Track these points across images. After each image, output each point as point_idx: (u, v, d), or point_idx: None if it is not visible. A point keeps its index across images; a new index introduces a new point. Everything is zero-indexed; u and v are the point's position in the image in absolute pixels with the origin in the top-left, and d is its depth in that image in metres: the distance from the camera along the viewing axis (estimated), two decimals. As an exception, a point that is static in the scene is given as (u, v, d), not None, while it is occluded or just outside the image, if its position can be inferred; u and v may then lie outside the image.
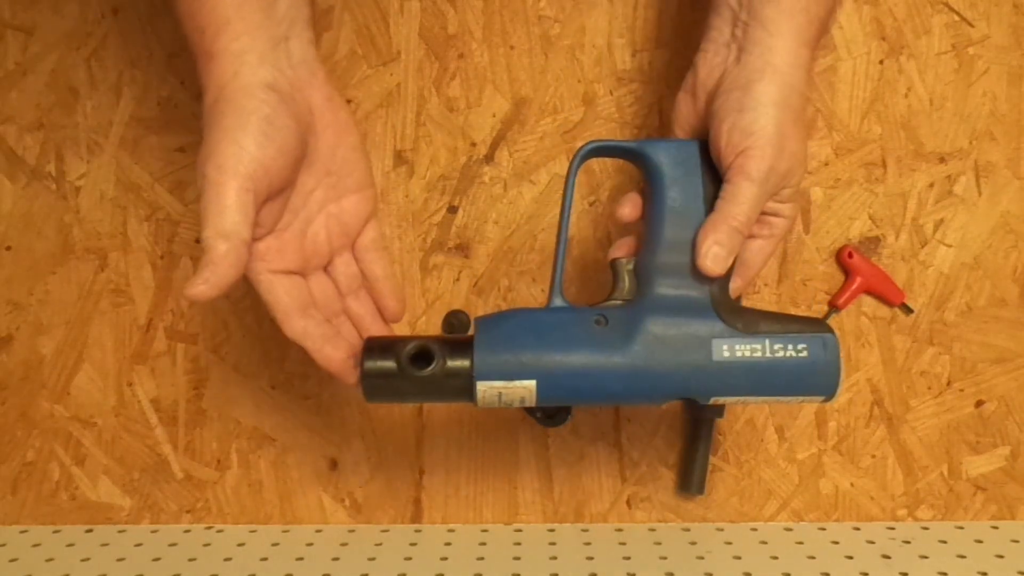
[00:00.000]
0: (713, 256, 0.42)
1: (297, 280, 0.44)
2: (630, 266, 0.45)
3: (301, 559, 0.55)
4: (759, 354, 0.42)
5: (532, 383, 0.41)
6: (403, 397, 0.46)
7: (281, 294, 0.43)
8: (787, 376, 0.42)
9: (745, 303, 0.59)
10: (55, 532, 0.60)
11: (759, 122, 0.42)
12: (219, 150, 0.39)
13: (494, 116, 0.59)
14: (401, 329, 0.60)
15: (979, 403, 0.60)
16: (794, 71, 0.43)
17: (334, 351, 0.44)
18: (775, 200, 0.44)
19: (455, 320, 0.59)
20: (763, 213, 0.44)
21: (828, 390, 0.43)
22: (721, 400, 0.43)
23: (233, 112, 0.39)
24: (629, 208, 0.47)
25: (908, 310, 0.59)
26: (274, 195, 0.41)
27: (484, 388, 0.41)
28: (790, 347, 0.42)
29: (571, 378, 0.41)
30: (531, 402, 0.42)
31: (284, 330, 0.43)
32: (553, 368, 0.41)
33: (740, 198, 0.42)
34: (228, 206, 0.38)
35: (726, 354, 0.41)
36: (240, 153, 0.39)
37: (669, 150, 0.45)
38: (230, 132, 0.39)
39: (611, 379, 0.42)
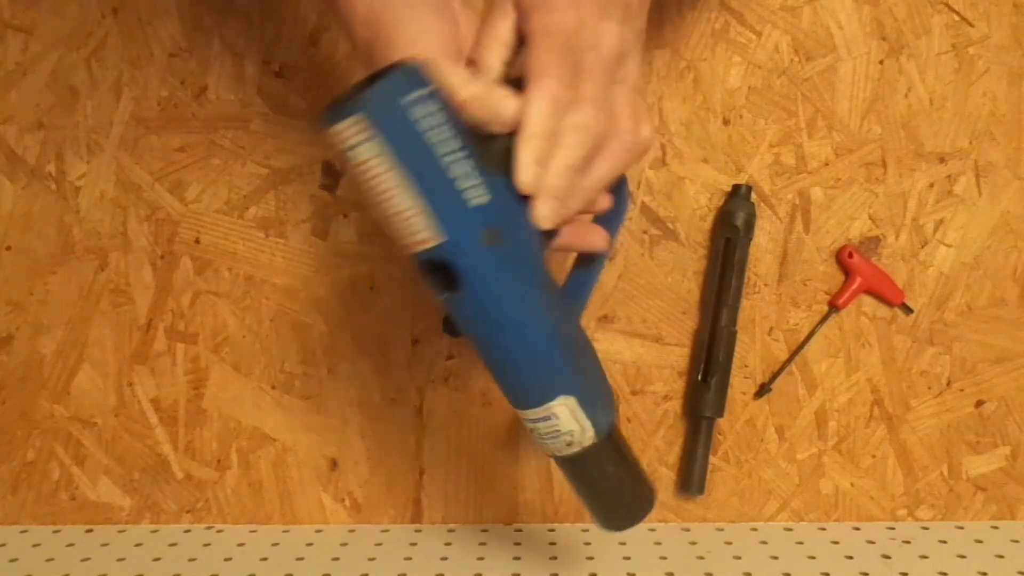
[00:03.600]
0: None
1: None
2: None
3: (301, 559, 0.55)
4: None
5: None
6: None
7: None
8: None
9: (746, 303, 0.59)
10: (55, 532, 0.60)
11: None
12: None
13: (494, 116, 0.59)
14: (400, 328, 0.60)
15: (979, 403, 0.60)
16: None
17: None
18: None
19: (455, 320, 0.60)
20: None
21: None
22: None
23: None
24: None
25: (908, 310, 0.59)
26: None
27: None
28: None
29: None
30: None
31: None
32: None
33: None
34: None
35: None
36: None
37: None
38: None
39: None
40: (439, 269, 0.32)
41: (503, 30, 0.36)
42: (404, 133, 0.30)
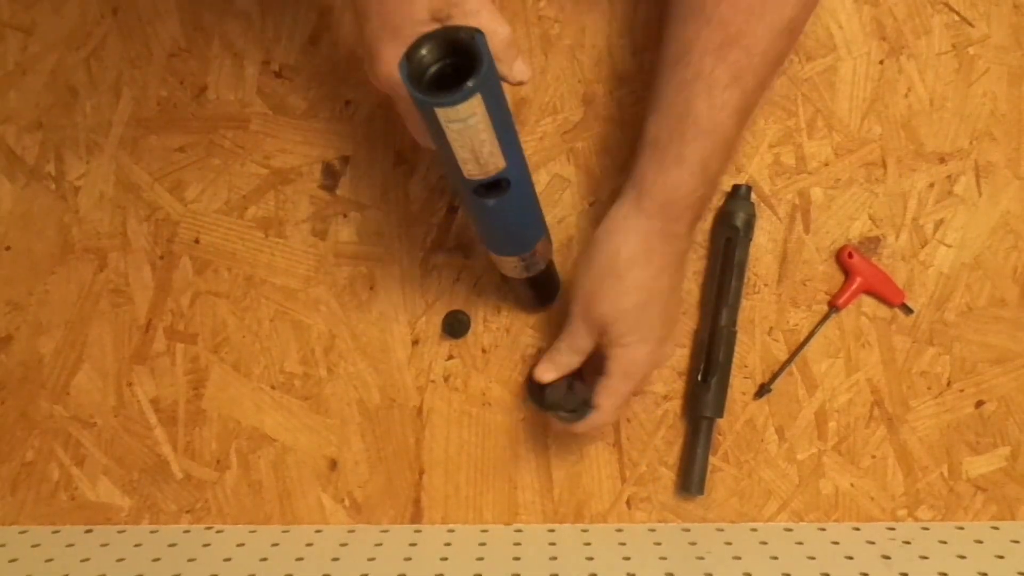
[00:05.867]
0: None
1: None
2: None
3: (301, 559, 0.55)
4: None
5: None
6: None
7: None
8: None
9: (745, 303, 0.59)
10: (55, 532, 0.60)
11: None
12: None
13: (494, 116, 0.59)
14: (400, 328, 0.60)
15: (979, 403, 0.60)
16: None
17: None
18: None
19: (455, 320, 0.60)
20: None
21: None
22: None
23: None
24: None
25: (908, 310, 0.59)
26: None
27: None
28: None
29: None
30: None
31: None
32: None
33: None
34: None
35: None
36: None
37: None
38: None
39: None
40: (494, 185, 0.42)
41: (581, 346, 0.52)
42: (497, 97, 0.37)
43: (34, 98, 0.59)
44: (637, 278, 0.49)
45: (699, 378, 0.58)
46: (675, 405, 0.60)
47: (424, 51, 0.36)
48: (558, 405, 0.53)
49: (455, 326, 0.60)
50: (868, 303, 0.59)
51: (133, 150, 0.59)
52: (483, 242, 0.50)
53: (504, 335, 0.60)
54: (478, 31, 0.36)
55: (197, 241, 0.60)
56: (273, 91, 0.59)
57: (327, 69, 0.59)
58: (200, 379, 0.60)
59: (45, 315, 0.60)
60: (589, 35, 0.59)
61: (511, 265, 0.51)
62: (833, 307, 0.59)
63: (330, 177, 0.60)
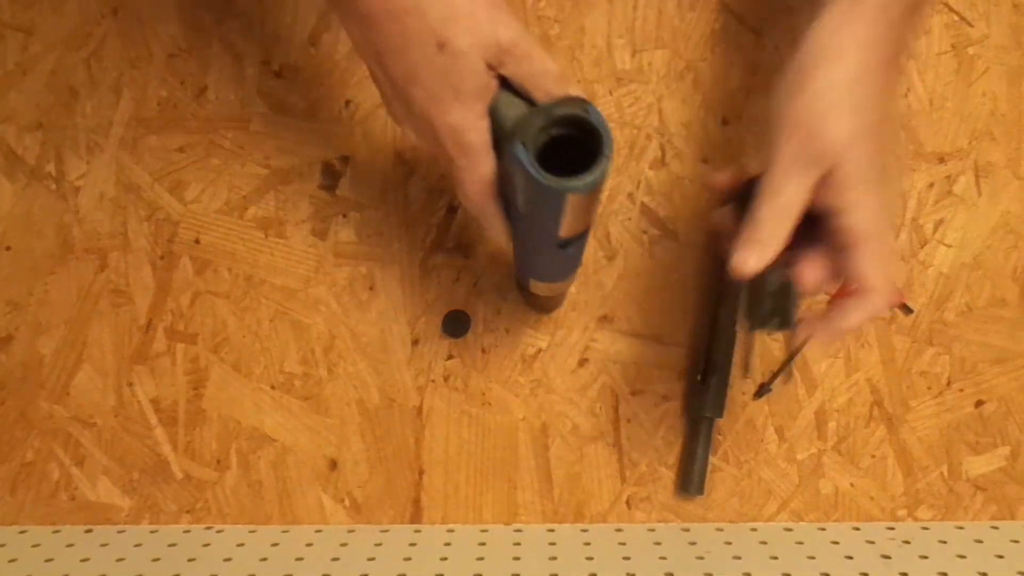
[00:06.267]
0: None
1: None
2: None
3: (301, 559, 0.55)
4: None
5: None
6: None
7: None
8: None
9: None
10: (55, 532, 0.60)
11: None
12: None
13: (494, 116, 0.59)
14: (400, 328, 0.60)
15: (979, 403, 0.60)
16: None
17: None
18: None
19: (455, 320, 0.60)
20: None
21: None
22: None
23: None
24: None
25: (908, 310, 0.59)
26: None
27: None
28: None
29: None
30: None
31: None
32: None
33: None
34: None
35: None
36: None
37: None
38: None
39: None
40: (570, 242, 0.42)
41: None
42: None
43: (34, 98, 0.59)
44: (870, 92, 0.39)
45: (699, 378, 0.58)
46: (675, 405, 0.60)
47: (537, 129, 0.36)
48: (784, 307, 0.42)
49: (455, 326, 0.60)
50: (868, 303, 0.59)
51: (133, 150, 0.59)
52: (534, 276, 0.49)
53: (504, 335, 0.60)
54: (588, 102, 0.36)
55: (197, 241, 0.60)
56: (273, 91, 0.59)
57: (327, 69, 0.59)
58: (200, 379, 0.60)
59: (45, 315, 0.60)
60: (589, 35, 0.59)
61: (551, 287, 0.51)
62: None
63: (330, 177, 0.60)
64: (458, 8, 0.37)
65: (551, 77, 0.39)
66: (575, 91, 0.40)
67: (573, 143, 0.35)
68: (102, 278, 0.60)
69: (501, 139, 0.39)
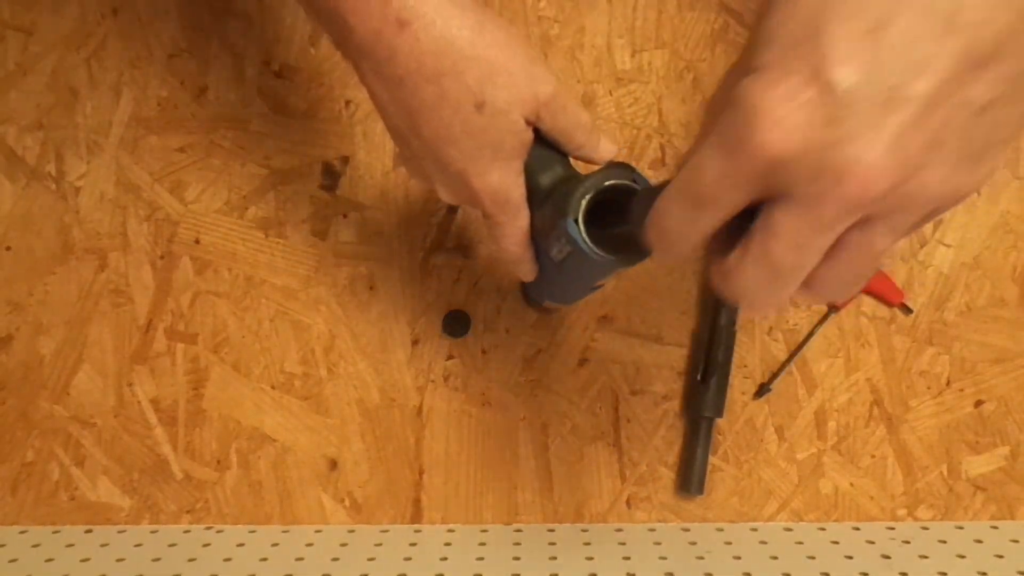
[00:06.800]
0: None
1: None
2: None
3: (301, 559, 0.55)
4: None
5: None
6: None
7: None
8: None
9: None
10: (55, 533, 0.60)
11: None
12: None
13: (494, 116, 0.59)
14: (400, 328, 0.60)
15: (979, 403, 0.60)
16: None
17: None
18: None
19: (455, 320, 0.60)
20: None
21: None
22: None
23: None
24: None
25: (907, 310, 0.59)
26: None
27: None
28: None
29: None
30: None
31: None
32: None
33: None
34: None
35: None
36: None
37: None
38: None
39: None
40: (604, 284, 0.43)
41: None
42: None
43: (34, 98, 0.59)
44: None
45: (698, 378, 0.58)
46: (675, 405, 0.60)
47: (587, 202, 0.36)
48: None
49: (455, 326, 0.60)
50: (867, 303, 0.60)
51: (133, 150, 0.59)
52: (553, 300, 0.49)
53: (504, 335, 0.60)
54: (634, 169, 0.36)
55: (197, 241, 0.60)
56: (273, 91, 0.59)
57: (327, 69, 0.59)
58: (200, 379, 0.60)
59: (45, 315, 0.60)
60: (588, 35, 0.59)
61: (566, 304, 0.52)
62: (832, 307, 0.59)
63: (330, 177, 0.60)
64: (496, 67, 0.36)
65: (583, 130, 0.39)
66: (605, 144, 0.41)
67: (616, 201, 0.36)
68: (102, 278, 0.60)
69: (535, 191, 0.40)
